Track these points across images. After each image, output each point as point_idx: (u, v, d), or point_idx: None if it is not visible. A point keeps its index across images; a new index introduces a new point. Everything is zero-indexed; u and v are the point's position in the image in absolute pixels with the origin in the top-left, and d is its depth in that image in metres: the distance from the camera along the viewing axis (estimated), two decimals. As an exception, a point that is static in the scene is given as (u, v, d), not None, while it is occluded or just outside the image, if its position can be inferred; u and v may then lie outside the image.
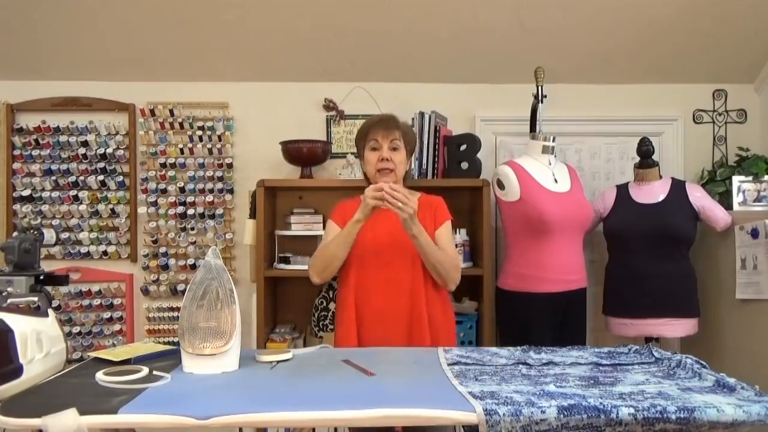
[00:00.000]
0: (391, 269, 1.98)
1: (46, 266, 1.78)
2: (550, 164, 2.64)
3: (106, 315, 3.08)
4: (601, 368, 1.53)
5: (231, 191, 3.10)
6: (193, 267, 3.07)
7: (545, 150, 2.64)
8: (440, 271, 1.97)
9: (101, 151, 3.06)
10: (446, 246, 2.02)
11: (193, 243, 3.08)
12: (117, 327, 3.09)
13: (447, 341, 1.96)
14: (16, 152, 3.05)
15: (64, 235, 3.05)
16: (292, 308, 3.04)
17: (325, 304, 2.96)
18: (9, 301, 1.51)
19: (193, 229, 3.07)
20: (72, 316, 3.05)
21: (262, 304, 2.73)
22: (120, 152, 3.07)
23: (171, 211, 3.07)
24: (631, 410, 1.17)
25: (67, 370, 1.52)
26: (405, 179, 2.14)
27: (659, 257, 2.60)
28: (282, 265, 2.82)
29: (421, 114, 2.87)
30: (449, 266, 1.98)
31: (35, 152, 3.04)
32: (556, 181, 2.60)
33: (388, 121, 2.06)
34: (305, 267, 2.76)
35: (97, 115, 3.08)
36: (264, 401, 1.26)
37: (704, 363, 1.51)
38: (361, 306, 1.99)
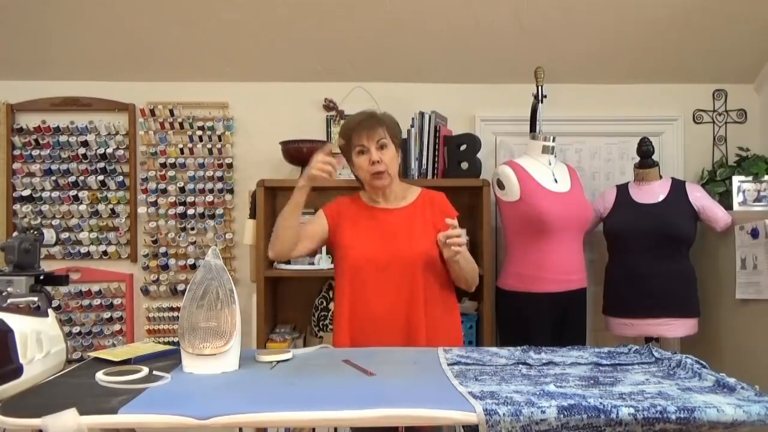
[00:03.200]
0: (387, 275, 1.89)
1: (46, 266, 1.78)
2: (550, 164, 2.64)
3: (106, 315, 3.08)
4: (601, 368, 1.53)
5: (231, 191, 3.10)
6: (193, 267, 3.07)
7: (545, 150, 2.64)
8: (469, 281, 1.97)
9: (101, 151, 3.06)
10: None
11: (193, 243, 3.08)
12: (117, 327, 3.09)
13: (449, 343, 1.90)
14: (16, 152, 3.05)
15: (64, 235, 3.05)
16: (292, 308, 3.05)
17: (325, 304, 2.96)
18: (9, 301, 1.51)
19: (193, 229, 3.08)
20: (72, 316, 3.05)
21: (262, 304, 2.73)
22: (120, 152, 3.07)
23: (171, 211, 3.07)
24: (631, 410, 1.16)
25: (67, 370, 1.51)
26: (398, 173, 2.04)
27: (659, 257, 2.60)
28: (282, 265, 2.82)
29: (421, 114, 2.87)
30: (475, 275, 1.98)
31: (35, 152, 3.04)
32: (556, 181, 2.60)
33: (369, 120, 1.94)
34: (305, 267, 2.78)
35: (97, 115, 3.09)
36: (264, 401, 1.25)
37: (704, 363, 1.50)
38: (358, 312, 1.91)
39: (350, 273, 1.93)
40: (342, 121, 3.10)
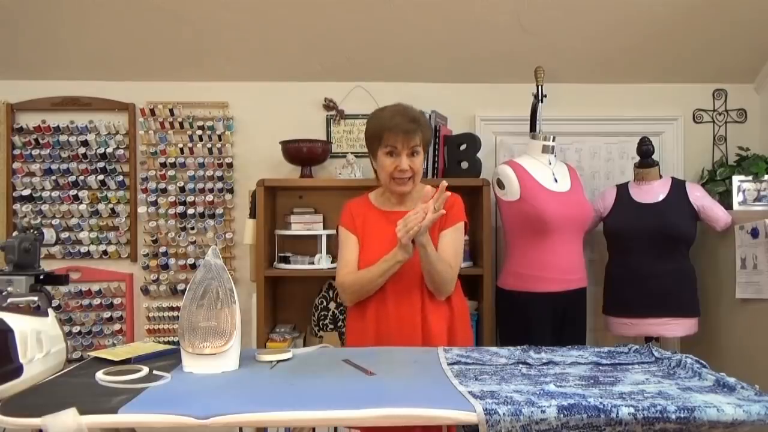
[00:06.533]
0: (402, 279, 1.87)
1: (46, 266, 1.78)
2: (550, 164, 2.64)
3: (106, 315, 3.08)
4: (601, 368, 1.53)
5: (231, 191, 3.10)
6: (193, 267, 3.07)
7: (545, 149, 2.65)
8: (436, 282, 1.85)
9: (101, 150, 3.06)
10: (448, 249, 1.88)
11: (193, 243, 3.08)
12: (117, 327, 3.09)
13: (464, 343, 1.91)
14: (16, 152, 3.05)
15: (64, 235, 3.05)
16: (292, 308, 3.05)
17: (325, 303, 2.96)
18: (9, 300, 1.51)
19: (193, 228, 3.07)
20: (72, 315, 3.05)
21: (262, 304, 2.73)
22: (120, 152, 3.07)
23: (171, 211, 3.07)
24: (631, 410, 1.17)
25: (67, 369, 1.51)
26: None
27: (659, 257, 2.60)
28: (282, 265, 2.82)
29: (421, 113, 2.87)
30: (447, 277, 1.86)
31: (35, 152, 3.04)
32: (556, 180, 2.60)
33: (410, 124, 1.85)
34: (305, 267, 2.78)
35: (97, 114, 3.08)
36: (264, 401, 1.25)
37: (704, 363, 1.51)
38: (380, 316, 1.89)
39: None
40: (342, 121, 3.10)
